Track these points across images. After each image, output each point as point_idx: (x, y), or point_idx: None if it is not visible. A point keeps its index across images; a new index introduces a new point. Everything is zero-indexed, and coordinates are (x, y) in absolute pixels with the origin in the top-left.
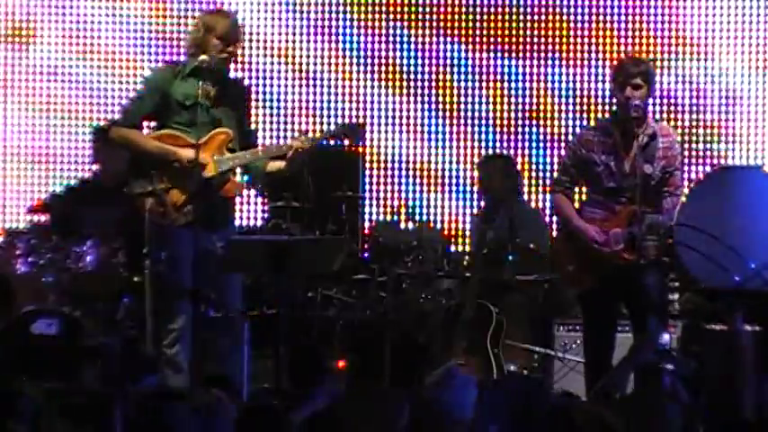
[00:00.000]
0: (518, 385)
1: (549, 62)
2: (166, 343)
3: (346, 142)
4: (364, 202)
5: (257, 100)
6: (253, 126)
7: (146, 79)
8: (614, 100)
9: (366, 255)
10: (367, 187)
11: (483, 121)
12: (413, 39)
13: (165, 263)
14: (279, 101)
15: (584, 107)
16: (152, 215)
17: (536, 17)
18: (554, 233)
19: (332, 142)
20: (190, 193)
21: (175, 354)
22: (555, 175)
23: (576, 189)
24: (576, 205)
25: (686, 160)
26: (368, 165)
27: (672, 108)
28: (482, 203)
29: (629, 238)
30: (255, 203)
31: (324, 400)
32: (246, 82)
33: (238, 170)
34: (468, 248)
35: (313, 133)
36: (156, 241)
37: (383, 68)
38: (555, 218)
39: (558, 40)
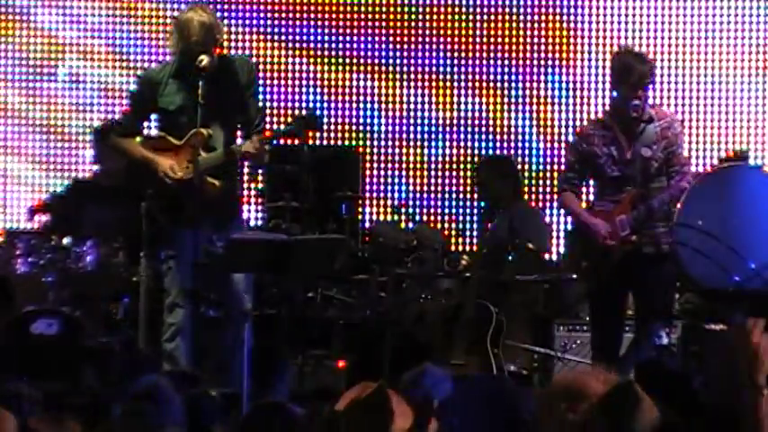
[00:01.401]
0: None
1: (549, 63)
2: (165, 337)
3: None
4: (364, 202)
5: None
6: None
7: (136, 82)
8: (614, 95)
9: (366, 255)
10: (367, 187)
11: (482, 122)
12: (412, 39)
13: (164, 262)
14: (279, 100)
15: (584, 107)
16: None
17: (535, 17)
18: (554, 233)
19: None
20: (171, 197)
21: (174, 348)
22: (560, 175)
23: (583, 189)
24: (585, 204)
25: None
26: (368, 165)
27: (671, 108)
28: (482, 204)
29: (634, 221)
30: (255, 203)
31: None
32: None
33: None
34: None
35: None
36: (155, 241)
37: (383, 68)
38: (556, 218)
39: (557, 41)
